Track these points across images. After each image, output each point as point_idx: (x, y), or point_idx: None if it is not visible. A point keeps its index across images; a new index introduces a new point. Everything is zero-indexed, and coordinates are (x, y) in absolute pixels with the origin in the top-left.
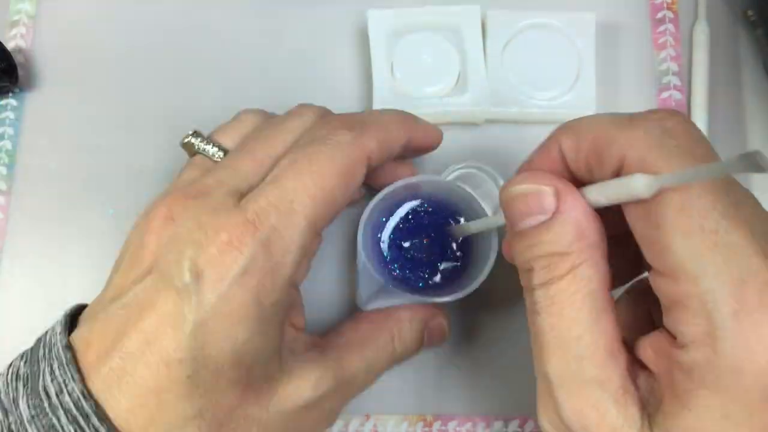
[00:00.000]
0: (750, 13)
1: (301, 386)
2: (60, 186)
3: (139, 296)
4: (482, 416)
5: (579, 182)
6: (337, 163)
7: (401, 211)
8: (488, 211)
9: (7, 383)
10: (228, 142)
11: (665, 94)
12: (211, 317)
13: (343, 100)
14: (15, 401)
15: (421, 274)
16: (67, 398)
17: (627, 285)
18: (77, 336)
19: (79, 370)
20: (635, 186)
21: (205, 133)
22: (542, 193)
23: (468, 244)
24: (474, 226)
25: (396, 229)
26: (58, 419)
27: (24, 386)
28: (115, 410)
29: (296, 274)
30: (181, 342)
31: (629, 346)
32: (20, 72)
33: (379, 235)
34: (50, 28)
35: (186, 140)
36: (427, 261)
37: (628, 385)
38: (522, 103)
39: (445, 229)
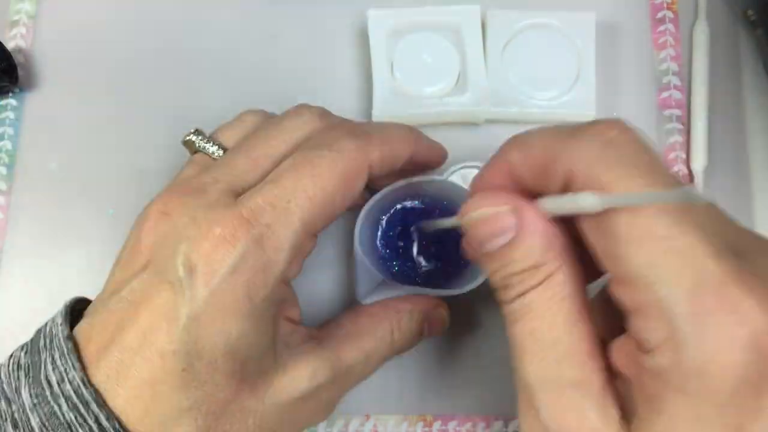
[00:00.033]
0: (750, 13)
1: (297, 377)
2: (60, 186)
3: (136, 291)
4: (482, 416)
5: (532, 194)
6: (339, 169)
7: (400, 209)
8: None
9: (9, 373)
10: (228, 141)
11: (665, 94)
12: (203, 312)
13: (343, 100)
14: (18, 390)
15: (420, 271)
16: (68, 386)
17: (601, 279)
18: (78, 330)
19: (80, 359)
20: (583, 205)
21: (207, 132)
22: (501, 214)
23: None
24: (447, 222)
25: (395, 227)
26: (60, 407)
27: (26, 376)
28: (114, 401)
29: (287, 271)
30: (175, 335)
31: (607, 348)
32: (20, 72)
33: (378, 233)
34: (50, 28)
35: (187, 138)
36: (426, 258)
37: (608, 387)
38: (522, 103)
39: (418, 225)
